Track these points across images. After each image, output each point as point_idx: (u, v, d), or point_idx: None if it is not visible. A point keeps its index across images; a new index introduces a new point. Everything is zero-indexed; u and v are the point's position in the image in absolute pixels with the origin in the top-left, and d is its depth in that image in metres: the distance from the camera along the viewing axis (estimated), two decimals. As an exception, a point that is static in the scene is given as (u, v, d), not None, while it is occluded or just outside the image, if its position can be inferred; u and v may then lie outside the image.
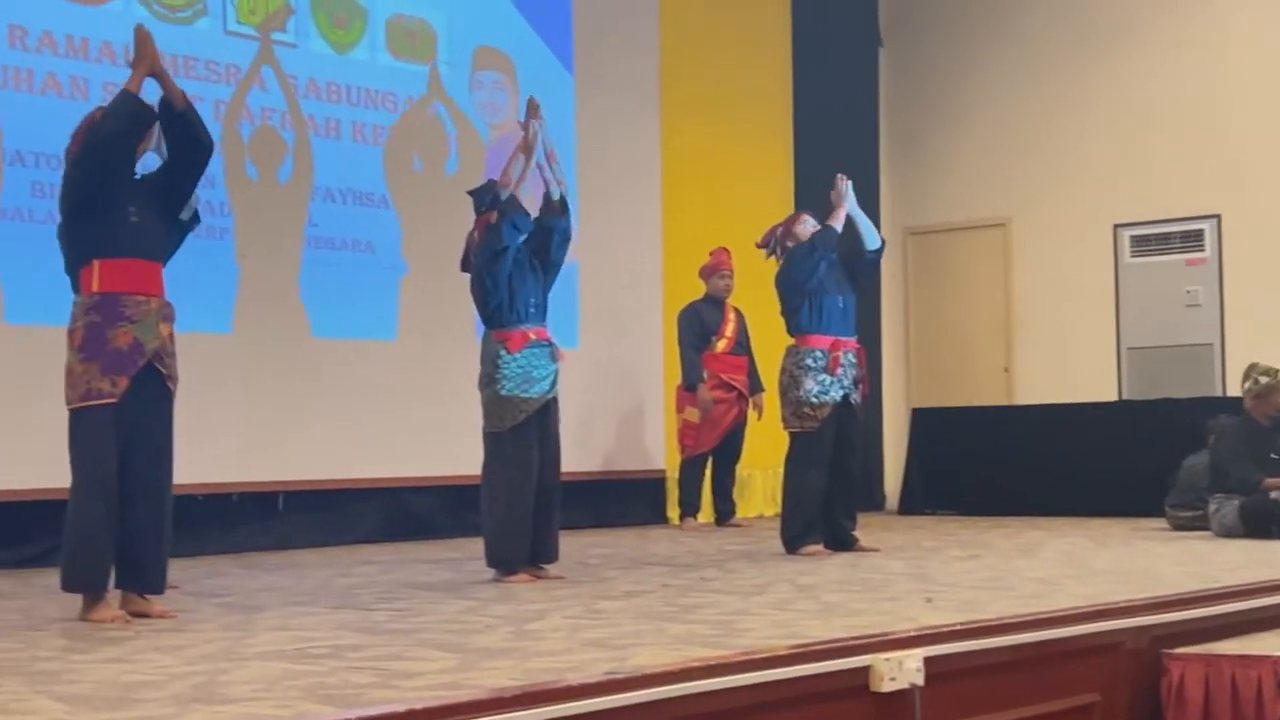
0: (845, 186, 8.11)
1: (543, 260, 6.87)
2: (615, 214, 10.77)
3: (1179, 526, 9.22)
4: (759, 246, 8.33)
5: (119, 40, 8.32)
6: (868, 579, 6.38)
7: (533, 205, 6.95)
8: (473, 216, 7.00)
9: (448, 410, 9.09)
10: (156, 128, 5.56)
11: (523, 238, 6.78)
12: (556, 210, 6.91)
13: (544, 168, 6.93)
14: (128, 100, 5.42)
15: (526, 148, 6.86)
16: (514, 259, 6.75)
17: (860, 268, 8.20)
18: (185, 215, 5.68)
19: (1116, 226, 12.02)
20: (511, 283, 6.73)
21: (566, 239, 6.99)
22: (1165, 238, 11.84)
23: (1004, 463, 11.34)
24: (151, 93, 5.53)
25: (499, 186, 6.83)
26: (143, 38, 5.55)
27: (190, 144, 5.57)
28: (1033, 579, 6.26)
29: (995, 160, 12.69)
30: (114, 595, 5.38)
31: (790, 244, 8.08)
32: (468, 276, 6.97)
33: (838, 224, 7.99)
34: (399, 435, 9.41)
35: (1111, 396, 11.79)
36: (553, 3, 10.64)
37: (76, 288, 5.45)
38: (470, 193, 7.09)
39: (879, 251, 8.29)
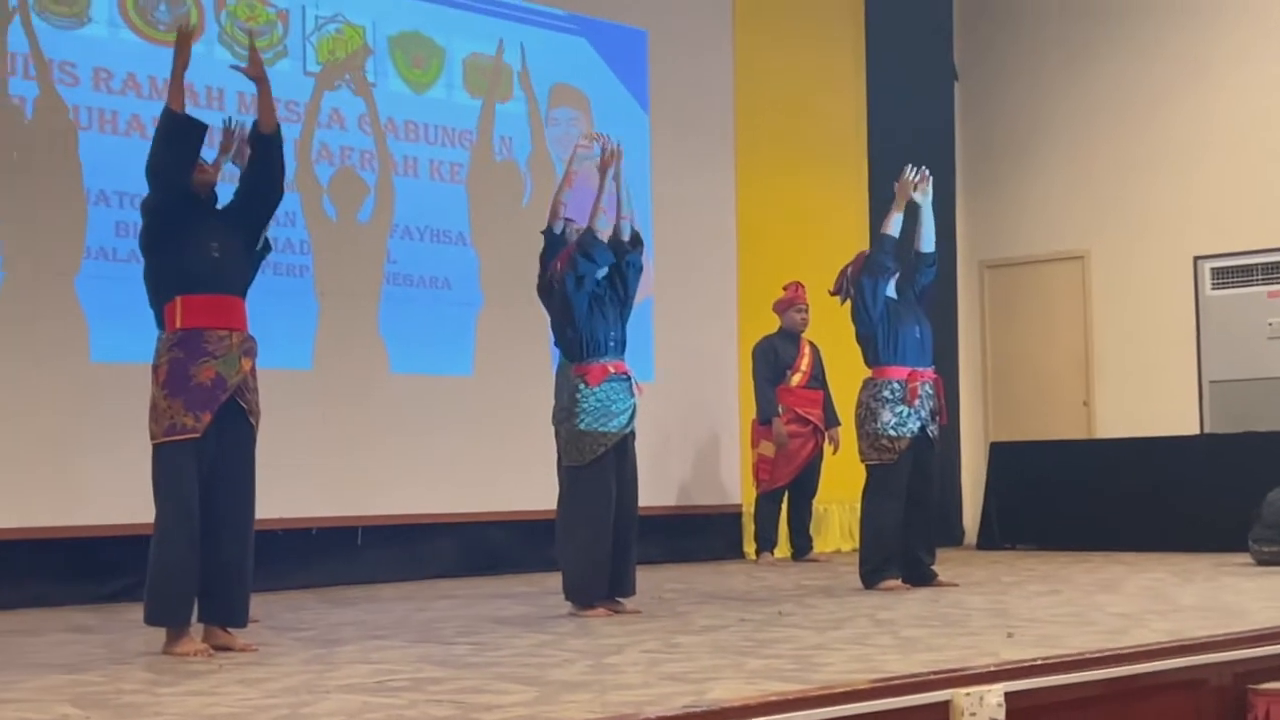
0: (911, 178, 7.98)
1: (619, 294, 6.89)
2: (690, 249, 10.80)
3: (1263, 561, 9.09)
4: (833, 294, 8.24)
5: (200, 81, 8.48)
6: (947, 614, 6.34)
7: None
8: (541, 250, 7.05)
9: (524, 444, 9.12)
10: (236, 136, 5.64)
11: (602, 271, 6.81)
12: (629, 245, 6.94)
13: (620, 202, 6.95)
14: (170, 119, 5.43)
15: (603, 173, 6.87)
16: (593, 292, 6.78)
17: (921, 284, 8.12)
18: (257, 245, 5.73)
19: (1196, 258, 11.90)
20: (591, 317, 6.75)
21: (639, 272, 7.02)
22: (1246, 270, 11.71)
23: (1084, 497, 11.22)
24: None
25: (582, 225, 6.85)
26: (182, 37, 5.55)
27: (267, 170, 5.62)
28: (1115, 614, 6.20)
29: (1073, 192, 12.60)
30: (197, 629, 5.43)
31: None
32: (543, 310, 7.00)
33: (891, 228, 7.91)
34: (476, 470, 9.46)
35: (1193, 430, 11.65)
36: (628, 41, 10.70)
37: (161, 324, 5.52)
38: (545, 232, 7.12)
39: (933, 266, 8.18)
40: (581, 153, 7.03)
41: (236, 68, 5.95)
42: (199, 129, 5.49)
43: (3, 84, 7.86)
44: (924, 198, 8.08)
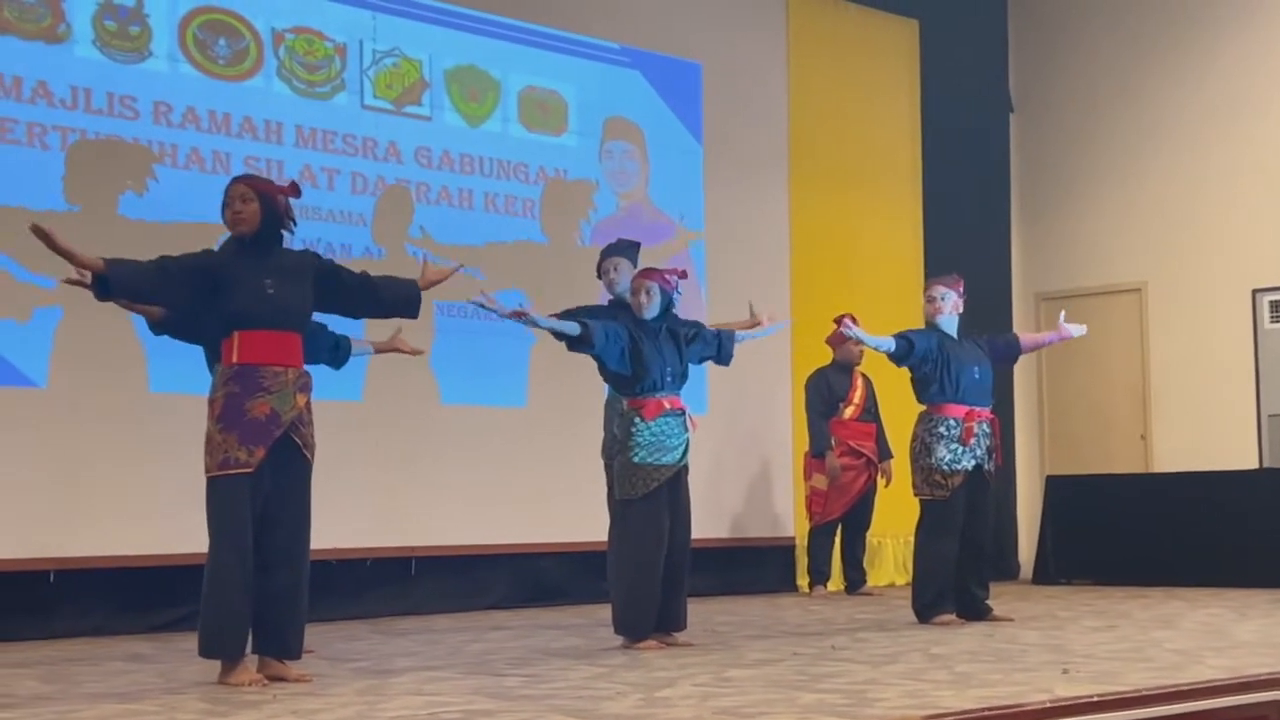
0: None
1: (680, 343, 6.89)
2: (744, 281, 10.78)
3: (1324, 598, 8.99)
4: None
5: (260, 115, 8.58)
6: (1002, 649, 6.29)
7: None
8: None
9: (577, 475, 9.13)
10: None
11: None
12: (720, 355, 7.04)
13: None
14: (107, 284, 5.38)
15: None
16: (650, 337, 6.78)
17: (1003, 353, 8.16)
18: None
19: (1255, 291, 11.80)
20: (644, 357, 6.72)
21: (704, 361, 7.12)
22: (1306, 302, 11.62)
23: (1141, 531, 11.12)
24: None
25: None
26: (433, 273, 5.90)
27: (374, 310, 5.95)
28: (1172, 650, 6.14)
29: (1129, 224, 12.54)
30: (251, 659, 5.46)
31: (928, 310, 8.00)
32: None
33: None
34: (528, 501, 9.47)
35: (1252, 464, 11.54)
36: (682, 73, 10.74)
37: (217, 358, 5.57)
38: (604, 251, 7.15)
39: (1020, 351, 8.37)
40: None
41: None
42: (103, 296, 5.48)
43: (61, 116, 7.95)
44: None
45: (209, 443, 5.41)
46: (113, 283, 5.31)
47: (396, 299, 5.80)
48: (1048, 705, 4.39)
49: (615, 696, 4.86)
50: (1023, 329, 12.91)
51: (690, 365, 6.93)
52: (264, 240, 5.54)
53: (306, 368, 5.58)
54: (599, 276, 7.52)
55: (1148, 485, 11.68)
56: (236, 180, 5.62)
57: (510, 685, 5.26)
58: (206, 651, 5.40)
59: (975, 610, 7.80)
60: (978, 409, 7.82)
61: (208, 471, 5.42)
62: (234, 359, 5.44)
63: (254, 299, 5.44)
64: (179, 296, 5.53)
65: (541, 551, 9.60)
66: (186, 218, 8.12)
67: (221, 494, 5.37)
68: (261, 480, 5.39)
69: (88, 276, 5.42)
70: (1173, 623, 7.58)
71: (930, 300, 7.97)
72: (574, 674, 5.59)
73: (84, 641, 7.42)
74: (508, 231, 9.69)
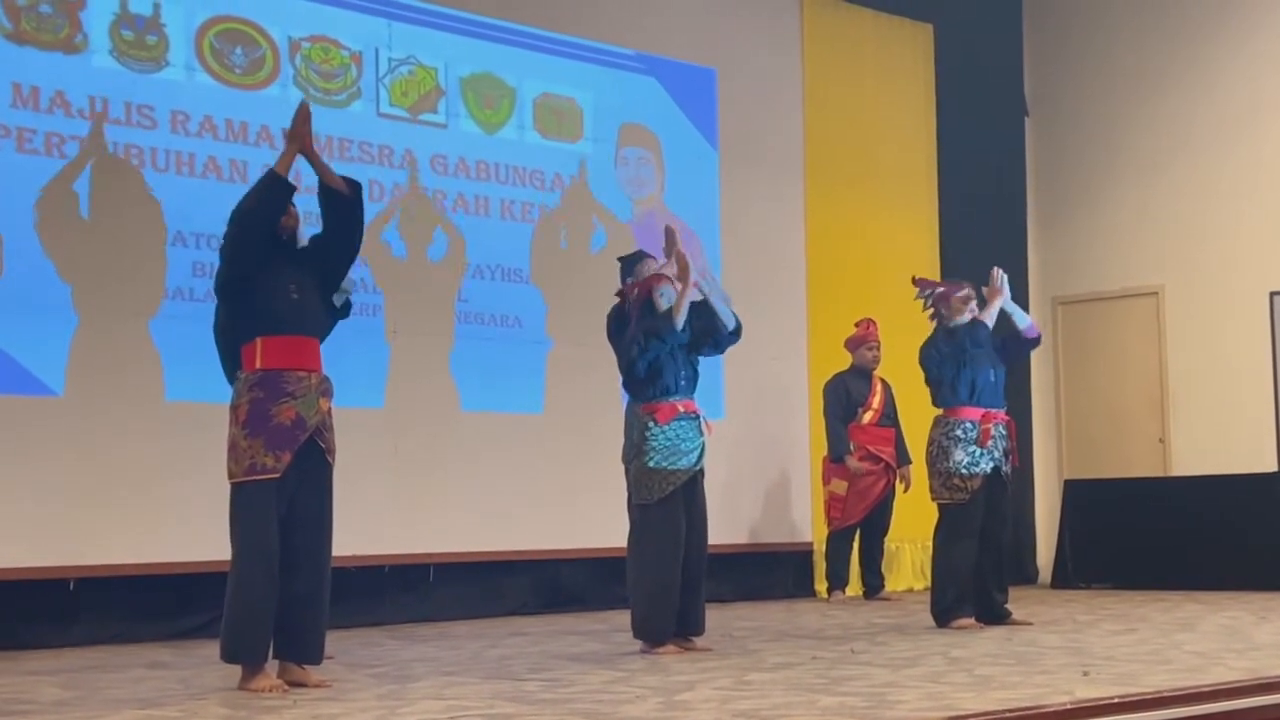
0: (1001, 280, 8.01)
1: (694, 346, 6.89)
2: (761, 286, 10.80)
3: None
4: (915, 283, 8.24)
5: (276, 123, 8.59)
6: (1021, 652, 6.28)
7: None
8: (617, 284, 7.06)
9: (595, 482, 9.13)
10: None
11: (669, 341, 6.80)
12: (728, 335, 6.96)
13: (710, 294, 6.92)
14: (273, 181, 5.52)
15: (684, 279, 6.78)
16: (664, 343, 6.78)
17: (1015, 350, 8.16)
18: (337, 301, 5.74)
19: (1273, 294, 11.77)
20: (659, 362, 6.73)
21: (720, 351, 7.05)
22: (1323, 304, 11.60)
23: (1160, 535, 11.10)
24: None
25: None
26: (302, 115, 5.62)
27: (343, 226, 5.67)
28: (1192, 652, 6.12)
29: (1146, 227, 12.51)
30: (272, 665, 5.47)
31: (945, 311, 8.01)
32: (611, 349, 7.00)
33: (989, 319, 7.91)
34: (547, 507, 9.48)
35: (1271, 467, 11.50)
36: (697, 79, 10.75)
37: (226, 369, 5.58)
38: (620, 259, 7.14)
39: (1036, 341, 8.27)
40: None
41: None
42: (291, 192, 5.58)
43: (79, 126, 7.98)
44: (1004, 295, 8.01)
45: (233, 449, 5.42)
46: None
47: (335, 212, 5.67)
48: (1069, 707, 4.39)
49: (634, 700, 4.86)
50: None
51: (701, 358, 6.93)
52: (291, 244, 5.58)
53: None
54: (622, 283, 7.49)
55: (1166, 489, 11.66)
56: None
57: (530, 690, 5.26)
58: (229, 656, 5.42)
59: (994, 614, 7.79)
60: (993, 411, 7.83)
61: (233, 478, 5.42)
62: (257, 364, 5.45)
63: (278, 302, 5.47)
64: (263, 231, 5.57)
65: (560, 557, 9.61)
66: (203, 227, 8.16)
67: (247, 499, 5.38)
68: (286, 485, 5.40)
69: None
70: (1192, 625, 7.56)
71: (965, 300, 7.99)
72: (593, 678, 5.60)
73: (104, 649, 7.44)
74: (524, 238, 9.70)
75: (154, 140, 8.23)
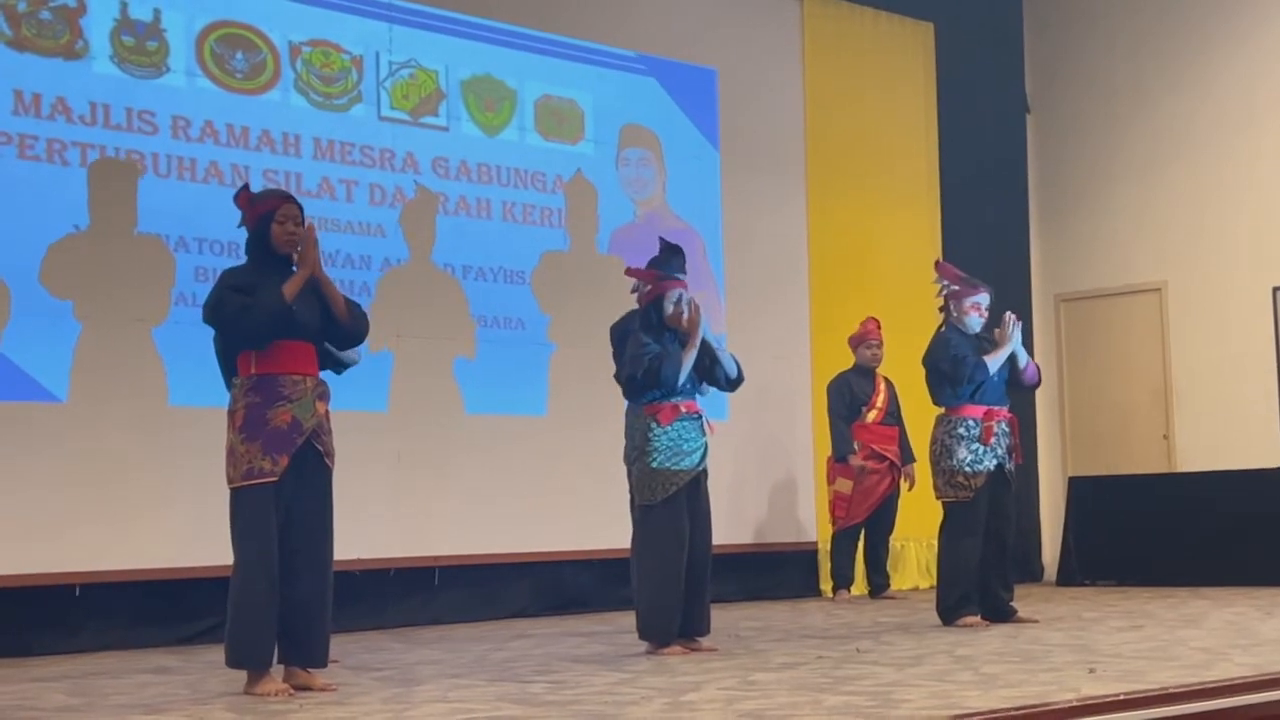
0: (1012, 329, 7.91)
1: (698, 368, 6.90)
2: (762, 286, 10.81)
3: (1350, 595, 8.95)
4: (937, 267, 8.20)
5: (278, 128, 8.61)
6: (1027, 650, 6.28)
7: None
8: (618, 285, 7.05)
9: (599, 483, 9.14)
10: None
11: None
12: (726, 383, 6.98)
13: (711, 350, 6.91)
14: (280, 308, 5.41)
15: (693, 332, 6.78)
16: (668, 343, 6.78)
17: (1013, 390, 8.11)
18: (346, 361, 5.90)
19: (1276, 289, 11.76)
20: (659, 360, 6.72)
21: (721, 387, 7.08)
22: (1327, 299, 11.59)
23: (1165, 531, 11.09)
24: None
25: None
26: (310, 240, 5.55)
27: (343, 344, 5.77)
28: (1198, 648, 6.12)
29: (1148, 224, 12.51)
30: (277, 669, 5.48)
31: (955, 310, 7.98)
32: (613, 351, 6.99)
33: (994, 363, 7.85)
34: (551, 509, 9.48)
35: (1276, 462, 11.49)
36: (698, 80, 10.75)
37: (234, 370, 5.59)
38: (629, 272, 7.13)
39: (1036, 385, 8.29)
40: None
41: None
42: (291, 324, 5.49)
43: (80, 132, 7.99)
44: (1015, 342, 7.95)
45: (231, 454, 5.44)
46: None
47: (336, 329, 5.66)
48: (1075, 704, 4.38)
49: (640, 701, 4.86)
50: (1043, 331, 12.91)
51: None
52: (287, 257, 5.59)
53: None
54: (633, 290, 7.48)
55: (1171, 485, 11.65)
56: (290, 200, 5.66)
57: (535, 692, 5.26)
58: (234, 661, 5.43)
59: (1000, 612, 7.79)
60: (996, 408, 7.83)
61: (231, 483, 5.44)
62: (252, 369, 5.48)
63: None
64: None
65: (564, 560, 9.61)
66: (206, 232, 8.16)
67: (246, 504, 5.40)
68: (284, 489, 5.42)
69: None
70: (1198, 622, 7.56)
71: (976, 307, 7.96)
72: (598, 680, 5.59)
73: (109, 655, 7.44)
74: (526, 240, 9.70)
75: (155, 146, 8.23)
